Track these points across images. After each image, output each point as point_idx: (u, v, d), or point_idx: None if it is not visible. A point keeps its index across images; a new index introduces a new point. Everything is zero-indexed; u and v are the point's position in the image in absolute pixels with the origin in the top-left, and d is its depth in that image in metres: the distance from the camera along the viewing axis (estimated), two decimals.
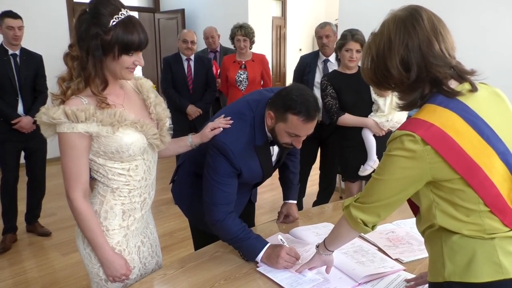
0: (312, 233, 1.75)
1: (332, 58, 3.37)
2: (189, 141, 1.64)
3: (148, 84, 1.53)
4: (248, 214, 1.99)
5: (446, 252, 1.06)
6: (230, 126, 1.57)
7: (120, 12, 1.29)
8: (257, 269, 1.48)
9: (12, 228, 3.28)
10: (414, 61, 1.03)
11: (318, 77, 3.34)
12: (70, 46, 1.33)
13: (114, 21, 1.27)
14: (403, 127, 1.04)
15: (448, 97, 1.03)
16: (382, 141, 2.70)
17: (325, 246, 1.36)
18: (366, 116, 2.65)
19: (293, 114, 1.45)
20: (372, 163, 2.68)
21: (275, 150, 1.72)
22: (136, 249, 1.49)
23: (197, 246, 1.90)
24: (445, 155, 0.99)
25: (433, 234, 1.10)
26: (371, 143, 2.68)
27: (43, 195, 3.48)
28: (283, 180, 2.00)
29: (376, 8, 3.76)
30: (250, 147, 1.58)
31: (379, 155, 2.68)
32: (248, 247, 1.54)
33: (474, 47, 3.19)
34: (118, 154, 1.35)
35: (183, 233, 3.45)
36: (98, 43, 1.27)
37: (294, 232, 1.76)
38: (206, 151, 1.61)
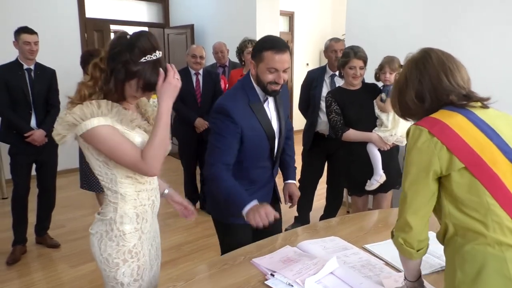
0: (320, 246, 1.76)
1: (338, 73, 3.40)
2: (165, 192, 1.81)
3: (144, 100, 1.65)
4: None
5: (457, 261, 1.10)
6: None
7: (153, 53, 1.41)
8: (265, 282, 1.49)
9: (22, 239, 3.31)
10: (427, 92, 1.20)
11: (324, 92, 3.40)
12: (100, 58, 1.45)
13: (145, 59, 1.40)
14: (416, 123, 1.19)
15: (459, 107, 1.17)
16: (388, 155, 2.72)
17: (407, 279, 1.35)
18: (371, 131, 2.68)
19: (266, 50, 1.76)
20: (378, 177, 2.69)
21: (271, 110, 1.92)
22: (148, 252, 1.58)
23: (222, 240, 2.07)
24: (451, 147, 1.10)
25: (450, 241, 1.15)
26: (377, 158, 2.69)
27: (53, 207, 3.52)
28: (281, 164, 2.17)
29: (382, 24, 3.82)
30: (245, 105, 1.82)
31: (385, 169, 2.70)
32: (235, 204, 1.73)
33: (477, 61, 3.22)
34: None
35: (190, 246, 3.47)
36: (124, 69, 1.40)
37: (302, 246, 1.77)
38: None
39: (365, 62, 2.66)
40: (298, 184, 2.26)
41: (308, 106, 3.60)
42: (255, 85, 1.85)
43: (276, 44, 1.76)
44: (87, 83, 1.44)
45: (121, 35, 1.44)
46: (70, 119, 1.37)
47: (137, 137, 1.45)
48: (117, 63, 1.40)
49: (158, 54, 1.42)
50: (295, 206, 2.35)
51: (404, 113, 1.31)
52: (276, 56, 1.74)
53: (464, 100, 1.18)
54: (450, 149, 1.10)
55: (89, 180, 3.50)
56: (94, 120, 1.36)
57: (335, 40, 3.50)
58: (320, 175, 3.65)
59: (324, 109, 3.39)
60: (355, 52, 2.63)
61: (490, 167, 1.08)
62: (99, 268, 1.55)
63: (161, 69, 1.42)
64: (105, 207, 1.51)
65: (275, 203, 2.11)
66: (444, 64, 1.20)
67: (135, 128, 1.46)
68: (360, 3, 4.00)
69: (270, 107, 1.92)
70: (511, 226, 1.06)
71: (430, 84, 1.19)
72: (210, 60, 5.13)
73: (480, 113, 1.16)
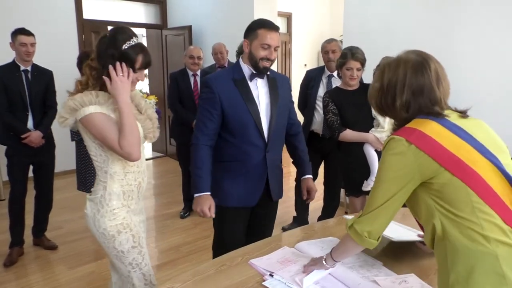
0: (318, 247, 1.76)
1: (336, 73, 3.41)
2: None
3: (138, 94, 1.86)
4: (269, 215, 2.26)
5: (449, 261, 1.10)
6: None
7: (132, 40, 1.65)
8: (263, 283, 1.49)
9: (19, 241, 3.30)
10: (414, 104, 1.21)
11: (321, 91, 3.43)
12: (91, 59, 1.70)
13: (126, 46, 1.63)
14: (390, 135, 1.21)
15: (434, 116, 1.19)
16: None
17: (333, 257, 1.43)
18: (367, 132, 2.68)
19: (259, 28, 1.94)
20: (375, 177, 2.69)
21: (259, 89, 2.04)
22: (138, 224, 1.82)
23: (216, 225, 2.22)
24: (429, 151, 1.12)
25: (439, 243, 1.15)
26: (373, 158, 2.70)
27: (50, 209, 3.51)
28: (296, 160, 2.30)
29: (381, 25, 3.82)
30: (229, 80, 1.99)
31: None
32: (196, 181, 1.97)
33: (476, 62, 3.22)
34: None
35: (188, 247, 3.47)
36: (112, 60, 1.62)
37: (300, 246, 1.77)
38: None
39: (362, 63, 2.67)
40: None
41: (306, 104, 3.61)
42: (242, 63, 2.03)
43: (269, 24, 1.95)
44: (82, 80, 1.70)
45: (102, 36, 1.68)
46: (71, 104, 1.59)
47: None
48: (106, 59, 1.63)
49: (136, 40, 1.66)
50: (294, 206, 2.39)
51: (382, 110, 1.30)
52: (269, 34, 1.93)
53: (442, 110, 1.21)
54: (429, 154, 1.12)
55: (86, 182, 3.49)
56: (92, 107, 1.59)
57: (328, 41, 3.53)
58: (316, 176, 3.65)
59: (319, 108, 3.41)
60: (353, 54, 2.63)
61: (471, 166, 1.10)
62: (99, 242, 1.76)
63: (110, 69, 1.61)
64: (95, 187, 1.74)
65: (267, 200, 2.13)
66: (439, 77, 1.21)
67: None
68: (358, 4, 4.01)
69: (258, 86, 2.04)
70: (498, 223, 1.07)
71: (421, 95, 1.20)
72: (209, 61, 5.13)
73: (455, 120, 1.19)
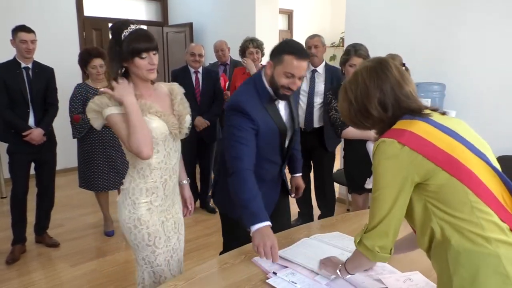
0: (322, 243, 1.75)
1: (320, 68, 3.49)
2: (182, 182, 2.00)
3: (178, 89, 1.88)
4: (284, 211, 2.20)
5: (452, 265, 1.08)
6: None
7: (129, 27, 1.65)
8: (267, 281, 1.48)
9: (21, 239, 3.30)
10: (389, 101, 1.20)
11: (305, 86, 3.48)
12: (107, 72, 1.77)
13: (124, 34, 1.64)
14: (379, 137, 1.19)
15: (418, 116, 1.18)
16: None
17: (347, 271, 1.40)
18: (370, 129, 2.67)
19: (287, 54, 1.74)
20: (372, 186, 2.68)
21: (281, 109, 1.93)
22: (160, 223, 1.80)
23: (226, 235, 2.14)
24: (421, 151, 1.10)
25: (438, 247, 1.12)
26: None
27: (52, 206, 3.51)
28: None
29: (382, 22, 3.81)
30: (259, 103, 1.83)
31: None
32: (255, 209, 1.65)
33: (477, 59, 3.21)
34: None
35: (190, 244, 3.46)
36: (119, 59, 1.66)
37: (304, 243, 1.76)
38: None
39: (365, 60, 2.66)
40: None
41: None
42: (266, 85, 1.84)
43: (298, 50, 1.74)
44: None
45: (109, 43, 1.72)
46: (92, 106, 1.68)
47: (152, 122, 1.68)
48: (114, 59, 1.68)
49: (134, 26, 1.66)
50: (295, 201, 2.42)
51: (360, 123, 1.27)
52: (296, 62, 1.72)
53: (423, 108, 1.20)
54: (423, 155, 1.09)
55: (88, 180, 3.50)
56: (108, 109, 1.65)
57: (310, 36, 3.56)
58: (307, 166, 3.61)
59: (302, 103, 3.42)
60: (356, 50, 2.62)
61: (466, 165, 1.08)
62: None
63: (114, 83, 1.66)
64: (126, 178, 1.80)
65: (284, 197, 2.15)
66: (402, 74, 1.22)
67: (150, 114, 1.68)
68: (360, 1, 3.99)
69: (280, 107, 1.93)
70: (496, 221, 1.06)
71: (392, 92, 1.19)
72: (212, 58, 5.12)
73: (438, 119, 1.18)
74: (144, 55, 1.64)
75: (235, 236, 1.99)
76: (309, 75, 3.51)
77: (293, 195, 2.22)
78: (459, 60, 3.31)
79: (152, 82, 1.82)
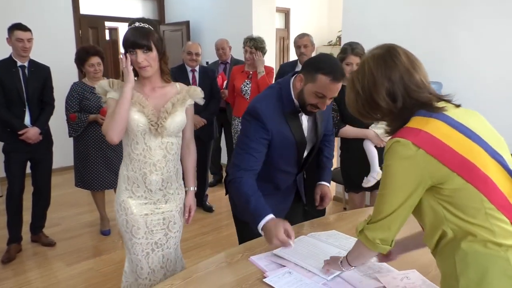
0: (319, 241, 1.75)
1: None
2: (189, 189, 2.02)
3: (192, 91, 1.91)
4: (297, 215, 2.11)
5: (459, 266, 1.06)
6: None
7: (134, 24, 1.73)
8: (264, 280, 1.48)
9: (17, 238, 3.29)
10: (398, 91, 1.13)
11: None
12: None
13: (127, 30, 1.73)
14: (393, 136, 1.13)
15: (433, 112, 1.11)
16: (382, 153, 2.71)
17: (349, 263, 1.38)
18: (367, 128, 2.67)
19: (322, 74, 1.61)
20: (375, 174, 2.69)
21: (304, 122, 1.83)
22: (142, 214, 1.85)
23: (241, 237, 2.03)
24: (437, 155, 1.05)
25: (446, 247, 1.11)
26: (373, 154, 2.69)
27: (48, 205, 3.49)
28: (317, 163, 2.08)
29: (380, 21, 3.81)
30: (280, 112, 1.73)
31: (381, 166, 2.69)
32: (252, 212, 1.61)
33: (475, 58, 3.22)
34: (128, 126, 1.76)
35: (187, 243, 3.46)
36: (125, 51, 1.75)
37: (302, 241, 1.76)
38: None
39: None
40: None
41: None
42: (293, 96, 1.74)
43: (335, 72, 1.61)
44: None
45: None
46: (97, 88, 1.83)
47: (132, 113, 1.74)
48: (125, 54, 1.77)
49: (138, 24, 1.72)
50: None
51: (368, 114, 1.21)
52: (331, 84, 1.62)
53: (435, 100, 1.14)
54: (439, 159, 1.05)
55: (84, 179, 3.48)
56: (110, 93, 1.78)
57: (300, 36, 3.60)
58: None
59: None
60: (353, 49, 2.62)
61: (483, 171, 1.05)
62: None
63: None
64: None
65: (297, 206, 2.09)
66: (412, 61, 1.16)
67: (132, 104, 1.75)
68: None
69: (303, 118, 1.83)
70: (509, 228, 1.04)
71: (401, 81, 1.13)
72: (208, 56, 5.11)
73: (453, 114, 1.12)
74: (132, 50, 1.70)
75: (249, 234, 1.86)
76: None
77: (317, 205, 2.03)
78: (456, 59, 3.32)
79: (167, 80, 1.86)
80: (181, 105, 1.84)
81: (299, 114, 1.79)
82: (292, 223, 1.90)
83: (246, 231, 1.86)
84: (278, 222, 1.54)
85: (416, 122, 1.11)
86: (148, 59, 1.72)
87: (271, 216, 1.57)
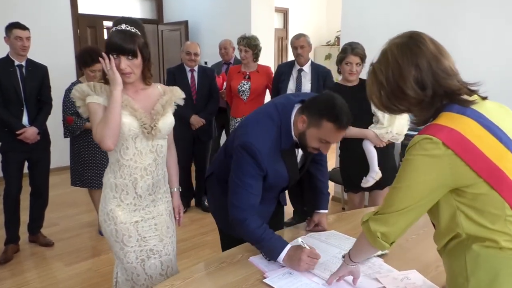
0: (318, 241, 1.75)
1: (306, 67, 3.53)
2: (173, 189, 1.98)
3: (173, 92, 1.86)
4: (277, 217, 2.03)
5: (470, 266, 1.05)
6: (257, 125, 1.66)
7: (119, 25, 1.64)
8: (264, 280, 1.48)
9: (14, 238, 3.27)
10: (427, 79, 1.06)
11: (291, 85, 3.53)
12: None
13: (112, 30, 1.65)
14: (423, 131, 1.05)
15: (463, 106, 1.06)
16: (383, 152, 2.72)
17: (350, 258, 1.36)
18: (367, 128, 2.67)
19: (328, 121, 1.51)
20: (374, 174, 2.69)
21: (299, 153, 1.75)
22: (133, 222, 1.77)
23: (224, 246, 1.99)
24: (468, 159, 1.00)
25: (457, 247, 1.08)
26: (372, 155, 2.69)
27: (46, 206, 3.48)
28: (312, 190, 1.99)
29: (379, 21, 3.81)
30: (276, 150, 1.63)
31: (381, 166, 2.69)
32: (269, 247, 1.57)
33: (476, 59, 3.22)
34: None
35: (185, 243, 3.45)
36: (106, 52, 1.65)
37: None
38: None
39: (362, 58, 2.66)
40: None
41: None
42: (293, 133, 1.64)
43: (341, 119, 1.50)
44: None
45: None
46: (74, 92, 1.70)
47: (123, 117, 1.66)
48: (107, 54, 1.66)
49: (124, 26, 1.64)
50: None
51: (395, 107, 1.13)
52: (337, 132, 1.53)
53: (464, 90, 1.08)
54: (468, 163, 1.00)
55: (82, 177, 3.45)
56: (91, 97, 1.67)
57: (296, 36, 3.58)
58: None
59: None
60: (352, 48, 2.62)
61: (510, 177, 1.01)
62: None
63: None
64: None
65: (278, 206, 2.04)
66: (438, 46, 1.10)
67: (125, 108, 1.68)
68: None
69: (298, 151, 1.75)
70: None
71: (429, 68, 1.06)
72: (206, 57, 5.11)
73: (485, 111, 1.07)
74: (115, 54, 1.62)
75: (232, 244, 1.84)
76: (296, 75, 3.55)
77: (307, 228, 1.94)
78: (456, 59, 3.31)
79: (148, 83, 1.79)
80: (169, 106, 1.82)
81: (296, 149, 1.71)
82: (275, 227, 1.87)
83: (229, 240, 1.83)
84: (297, 251, 1.53)
85: (448, 119, 1.05)
86: (132, 66, 1.64)
87: (288, 246, 1.56)
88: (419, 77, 1.06)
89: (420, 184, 1.05)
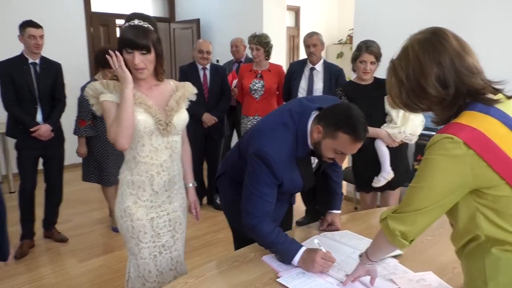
0: (332, 241, 1.74)
1: (319, 66, 3.51)
2: (188, 185, 2.00)
3: (185, 88, 1.85)
4: (286, 216, 2.02)
5: (489, 270, 1.03)
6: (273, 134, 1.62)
7: (132, 21, 1.64)
8: (277, 280, 1.47)
9: (30, 234, 3.32)
10: (449, 76, 1.03)
11: (303, 84, 3.52)
12: None
13: (125, 26, 1.64)
14: (443, 130, 1.02)
15: (487, 105, 1.03)
16: (396, 152, 2.69)
17: (368, 257, 1.34)
18: (379, 127, 2.64)
19: (344, 133, 1.48)
20: (386, 174, 2.67)
21: (314, 160, 1.74)
22: (149, 218, 1.79)
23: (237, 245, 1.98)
24: (490, 160, 0.97)
25: (476, 249, 1.06)
26: (385, 154, 2.66)
27: (60, 202, 3.52)
28: (326, 190, 1.98)
29: (391, 20, 3.77)
30: (291, 158, 1.61)
31: (393, 166, 2.67)
32: (283, 251, 1.57)
33: (492, 54, 3.17)
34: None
35: (198, 241, 3.47)
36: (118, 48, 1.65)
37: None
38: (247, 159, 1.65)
39: (377, 57, 2.63)
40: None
41: (290, 96, 3.62)
42: (309, 142, 1.61)
43: (359, 132, 1.47)
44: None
45: None
46: (88, 90, 1.70)
47: (137, 114, 1.66)
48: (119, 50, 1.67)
49: (137, 22, 1.64)
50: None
51: (415, 105, 1.10)
52: (353, 144, 1.50)
53: (488, 89, 1.04)
54: (490, 165, 0.97)
55: (95, 173, 3.46)
56: (104, 95, 1.66)
57: (309, 35, 3.55)
58: None
59: None
60: (367, 47, 2.60)
61: None
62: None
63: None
64: (121, 169, 1.82)
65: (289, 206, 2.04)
66: (462, 43, 1.06)
67: (136, 105, 1.66)
68: None
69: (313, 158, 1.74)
70: None
71: (452, 65, 1.02)
72: (218, 55, 5.11)
73: (508, 109, 1.04)
74: (129, 50, 1.62)
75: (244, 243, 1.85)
76: (308, 73, 3.53)
77: (321, 227, 1.93)
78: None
79: (160, 79, 1.80)
80: (183, 101, 1.82)
81: (312, 157, 1.70)
82: (285, 226, 1.88)
83: (243, 239, 1.83)
84: (311, 253, 1.53)
85: (470, 118, 1.01)
86: (145, 61, 1.64)
87: (302, 248, 1.56)
88: (441, 75, 1.03)
89: (440, 184, 1.03)
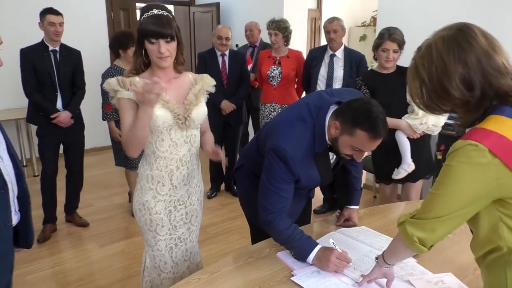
0: (349, 238, 1.70)
1: (339, 53, 3.41)
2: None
3: (204, 80, 1.84)
4: (305, 210, 2.01)
5: (510, 283, 0.98)
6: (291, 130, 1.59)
7: (151, 11, 1.64)
8: (291, 278, 1.46)
9: (52, 218, 3.40)
10: (475, 78, 0.96)
11: (323, 71, 3.42)
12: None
13: (144, 16, 1.64)
14: (467, 136, 0.96)
15: None
16: (419, 143, 2.60)
17: (384, 259, 1.31)
18: (400, 118, 2.56)
19: (362, 130, 1.42)
20: (406, 166, 2.60)
21: (333, 155, 1.71)
22: (167, 212, 1.80)
23: (254, 239, 1.99)
24: None
25: (498, 260, 1.01)
26: (405, 146, 2.59)
27: (81, 187, 3.59)
28: (345, 185, 1.96)
29: (418, 4, 3.61)
30: (309, 154, 1.58)
31: (415, 158, 2.59)
32: (298, 248, 1.56)
33: None
34: (152, 124, 1.65)
35: (215, 228, 3.49)
36: (138, 41, 1.67)
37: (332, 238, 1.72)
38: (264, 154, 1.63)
39: (400, 45, 2.53)
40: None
41: (309, 84, 3.54)
42: (327, 137, 1.57)
43: (377, 128, 1.41)
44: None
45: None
46: (106, 86, 1.68)
47: (156, 110, 1.64)
48: (138, 44, 1.69)
49: (156, 11, 1.64)
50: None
51: (437, 107, 1.04)
52: (371, 142, 1.45)
53: None
54: None
55: (125, 156, 3.48)
56: (121, 92, 1.64)
57: (329, 20, 3.42)
58: None
59: (320, 89, 3.32)
60: (390, 34, 2.50)
61: None
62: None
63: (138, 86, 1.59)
64: (140, 163, 1.84)
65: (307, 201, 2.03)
66: (491, 40, 0.98)
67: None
68: None
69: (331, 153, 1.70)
70: None
71: (478, 65, 0.95)
72: (238, 39, 5.03)
73: None
74: (153, 40, 1.61)
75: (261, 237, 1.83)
76: (328, 60, 3.43)
77: (337, 223, 1.91)
78: (504, 44, 3.12)
79: (179, 71, 1.79)
80: (202, 95, 1.81)
81: (330, 152, 1.65)
82: (303, 220, 1.91)
83: (259, 233, 1.81)
84: (326, 252, 1.50)
85: (497, 124, 0.95)
86: (170, 49, 1.65)
87: (317, 247, 1.54)
88: (466, 76, 0.96)
89: (461, 193, 0.98)
